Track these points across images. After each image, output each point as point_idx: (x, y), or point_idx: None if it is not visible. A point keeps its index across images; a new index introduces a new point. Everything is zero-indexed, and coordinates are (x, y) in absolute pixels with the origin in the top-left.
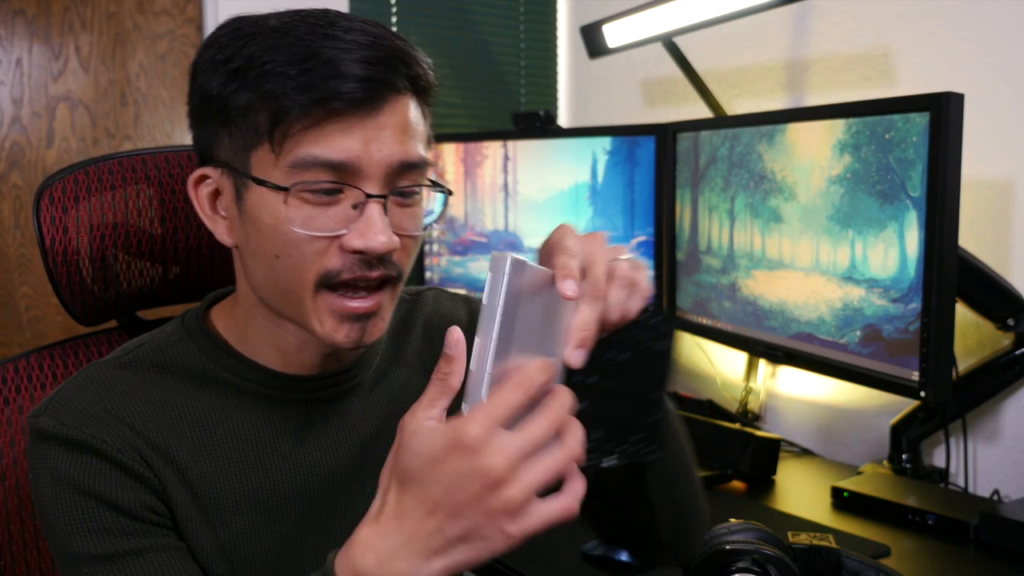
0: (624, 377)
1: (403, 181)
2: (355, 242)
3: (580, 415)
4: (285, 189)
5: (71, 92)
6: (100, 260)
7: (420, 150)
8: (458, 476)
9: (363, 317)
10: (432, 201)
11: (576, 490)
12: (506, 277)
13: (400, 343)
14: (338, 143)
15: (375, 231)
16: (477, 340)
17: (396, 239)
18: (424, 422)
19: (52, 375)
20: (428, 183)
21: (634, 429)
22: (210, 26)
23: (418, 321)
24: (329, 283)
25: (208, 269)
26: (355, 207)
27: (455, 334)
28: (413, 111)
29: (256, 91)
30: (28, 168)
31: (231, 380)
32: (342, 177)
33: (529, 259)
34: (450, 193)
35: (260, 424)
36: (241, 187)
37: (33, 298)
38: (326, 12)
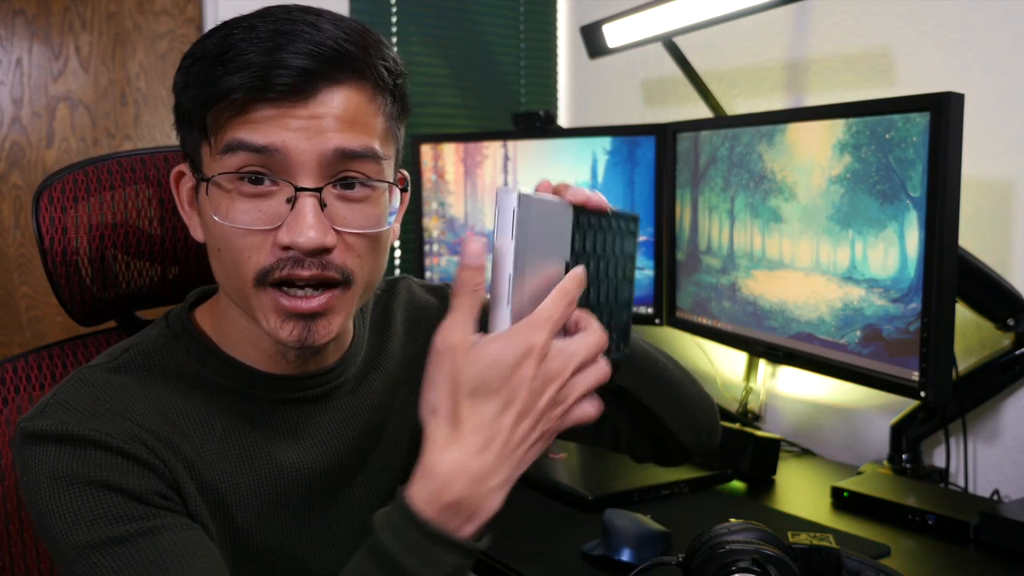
0: (594, 288)
1: (345, 174)
2: (283, 237)
3: None
4: (207, 179)
5: (71, 92)
6: (99, 260)
7: (367, 141)
8: (539, 381)
9: (307, 317)
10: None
11: (596, 399)
12: (516, 216)
13: (383, 337)
14: (264, 129)
15: (303, 225)
16: (493, 276)
17: (331, 236)
18: (479, 336)
19: (51, 375)
20: (378, 178)
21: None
22: (210, 26)
23: (397, 313)
24: (266, 280)
25: (208, 269)
26: (288, 201)
27: (473, 243)
28: (360, 103)
29: (198, 83)
30: (28, 168)
31: (220, 382)
32: (272, 167)
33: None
34: (404, 190)
35: (254, 424)
36: (199, 182)
37: (33, 298)
38: (289, 7)
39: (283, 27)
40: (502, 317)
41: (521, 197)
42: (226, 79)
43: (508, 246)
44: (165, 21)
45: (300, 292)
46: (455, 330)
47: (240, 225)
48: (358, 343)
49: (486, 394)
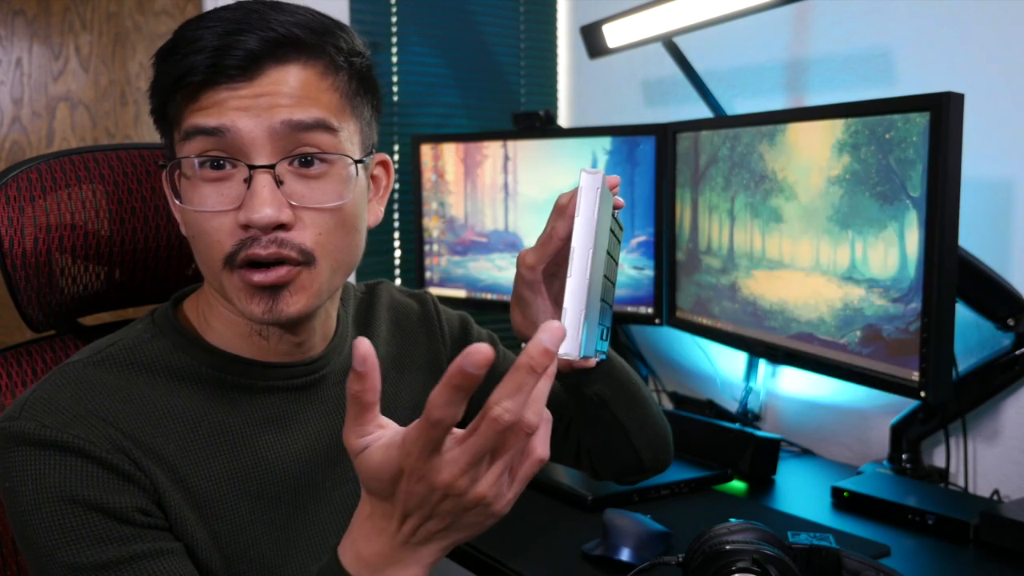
0: (606, 286)
1: (301, 149)
2: (242, 216)
3: None
4: (163, 166)
5: (71, 92)
6: (61, 263)
7: (317, 113)
8: (418, 495)
9: (272, 289)
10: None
11: (540, 437)
12: (600, 195)
13: (367, 334)
14: (214, 112)
15: (257, 202)
16: (574, 251)
17: (286, 212)
18: (365, 448)
19: None
20: (334, 151)
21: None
22: None
23: (380, 313)
24: (232, 263)
25: (153, 273)
26: (246, 181)
27: (362, 347)
28: (309, 79)
29: (158, 76)
30: None
31: (209, 374)
32: (228, 149)
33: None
34: (359, 161)
35: (242, 415)
36: (171, 173)
37: None
38: (249, 1)
39: (236, 16)
40: (580, 289)
41: (604, 179)
42: (178, 67)
43: (591, 223)
44: (165, 21)
45: (263, 267)
46: (349, 436)
47: (204, 208)
48: (343, 335)
49: (376, 495)
